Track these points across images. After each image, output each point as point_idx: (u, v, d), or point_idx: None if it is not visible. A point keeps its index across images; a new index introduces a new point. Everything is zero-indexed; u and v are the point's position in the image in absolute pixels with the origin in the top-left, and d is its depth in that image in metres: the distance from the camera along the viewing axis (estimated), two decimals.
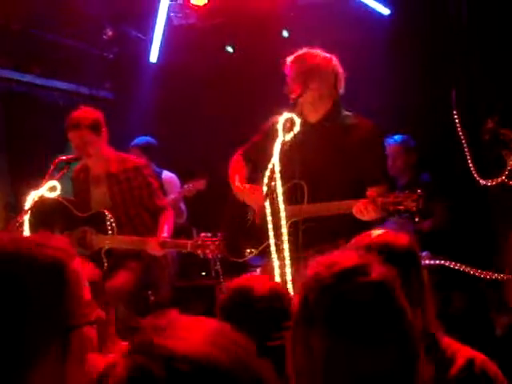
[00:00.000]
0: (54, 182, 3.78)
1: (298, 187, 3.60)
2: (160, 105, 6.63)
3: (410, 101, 5.75)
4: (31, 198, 3.67)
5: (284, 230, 3.21)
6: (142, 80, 6.69)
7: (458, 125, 4.51)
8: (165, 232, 4.23)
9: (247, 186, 3.80)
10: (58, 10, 5.86)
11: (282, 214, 3.23)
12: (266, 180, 3.28)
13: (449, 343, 2.02)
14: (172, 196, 5.57)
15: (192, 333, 0.89)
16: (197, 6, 6.10)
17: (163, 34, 6.42)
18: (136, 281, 4.22)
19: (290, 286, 3.08)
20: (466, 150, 4.44)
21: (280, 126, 3.31)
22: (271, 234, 3.24)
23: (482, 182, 4.47)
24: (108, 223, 4.21)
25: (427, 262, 4.32)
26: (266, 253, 3.63)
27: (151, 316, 0.96)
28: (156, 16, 6.30)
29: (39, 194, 3.70)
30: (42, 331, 1.11)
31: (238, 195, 3.85)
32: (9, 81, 5.91)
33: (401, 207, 3.27)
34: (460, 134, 4.50)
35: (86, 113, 4.27)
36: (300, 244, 3.45)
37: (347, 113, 3.74)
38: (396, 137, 5.42)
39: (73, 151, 4.26)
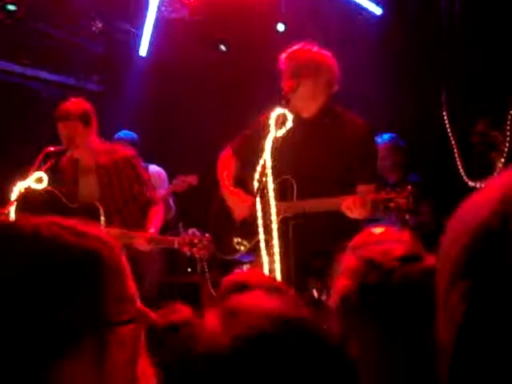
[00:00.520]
0: (40, 173, 3.74)
1: (288, 183, 3.58)
2: (149, 99, 6.58)
3: (400, 100, 5.75)
4: (17, 189, 3.63)
5: (274, 226, 3.19)
6: (131, 73, 6.64)
7: (447, 126, 4.52)
8: (153, 227, 4.20)
9: (232, 189, 3.79)
10: (48, 0, 5.81)
11: (273, 210, 3.22)
12: (257, 176, 3.27)
13: None
14: (162, 191, 5.53)
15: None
16: None
17: (153, 28, 6.38)
18: None
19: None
20: (455, 151, 4.45)
21: (272, 122, 3.29)
22: (261, 229, 3.23)
23: (471, 183, 4.48)
24: (98, 215, 4.17)
25: None
26: (254, 249, 3.61)
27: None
28: (147, 9, 6.26)
29: (25, 185, 3.66)
30: (73, 326, 1.03)
31: (224, 194, 3.84)
32: None
33: (391, 204, 3.27)
34: (449, 135, 4.51)
35: (75, 104, 4.22)
36: (290, 240, 3.43)
37: (340, 110, 3.73)
38: (385, 136, 5.42)
39: (61, 142, 4.21)
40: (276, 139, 3.27)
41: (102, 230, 1.16)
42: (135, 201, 4.34)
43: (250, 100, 4.63)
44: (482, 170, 4.51)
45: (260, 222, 3.24)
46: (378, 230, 2.11)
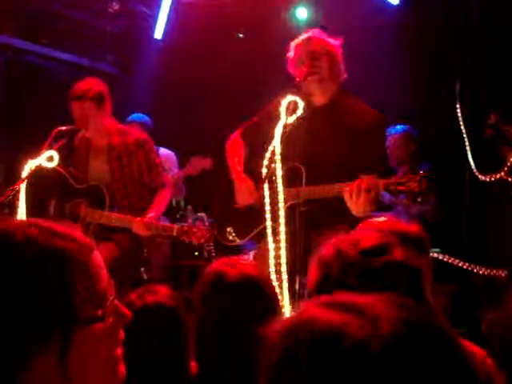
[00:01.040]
0: (51, 152, 3.76)
1: (298, 170, 3.59)
2: (162, 81, 6.59)
3: (414, 92, 5.73)
4: (28, 167, 3.66)
5: (281, 213, 3.20)
6: (146, 56, 6.65)
7: (460, 118, 4.50)
8: (154, 211, 4.18)
9: (243, 176, 3.78)
10: None
11: (281, 197, 3.22)
12: (265, 162, 3.27)
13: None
14: (175, 171, 5.53)
15: None
16: None
17: (169, 11, 6.38)
18: (119, 254, 4.17)
19: (284, 268, 3.08)
20: (466, 143, 4.43)
21: (283, 109, 3.29)
22: (268, 216, 3.24)
23: (481, 177, 4.47)
24: (103, 197, 4.20)
25: None
26: (259, 236, 3.63)
27: None
28: None
29: (36, 163, 3.68)
30: (42, 324, 1.05)
31: (233, 179, 3.84)
32: (14, 49, 5.87)
33: (403, 187, 3.27)
34: (462, 127, 4.49)
35: (90, 84, 4.23)
36: (297, 227, 3.44)
37: (352, 98, 3.73)
38: (398, 127, 5.44)
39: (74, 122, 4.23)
40: (286, 126, 3.28)
41: (78, 231, 1.17)
42: (144, 185, 4.34)
43: (265, 85, 4.62)
44: (493, 163, 4.50)
45: (267, 208, 3.25)
46: (380, 218, 2.12)
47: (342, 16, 5.72)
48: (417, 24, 5.78)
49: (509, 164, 4.31)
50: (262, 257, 3.35)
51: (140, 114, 5.79)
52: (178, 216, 6.00)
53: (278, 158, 3.20)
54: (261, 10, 6.17)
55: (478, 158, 4.50)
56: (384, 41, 5.78)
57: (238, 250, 4.06)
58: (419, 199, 3.40)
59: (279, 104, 3.34)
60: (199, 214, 6.15)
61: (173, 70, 6.53)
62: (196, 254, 6.01)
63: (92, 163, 4.37)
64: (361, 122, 3.59)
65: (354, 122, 3.62)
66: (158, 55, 6.61)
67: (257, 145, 3.69)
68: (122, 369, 1.18)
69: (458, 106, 4.53)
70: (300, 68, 3.60)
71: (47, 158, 3.74)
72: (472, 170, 4.48)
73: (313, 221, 3.49)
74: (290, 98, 3.32)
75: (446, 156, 5.30)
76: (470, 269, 4.47)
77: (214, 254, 5.76)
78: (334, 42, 3.71)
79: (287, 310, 2.89)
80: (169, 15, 6.38)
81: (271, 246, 3.19)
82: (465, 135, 4.47)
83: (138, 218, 4.06)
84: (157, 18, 6.41)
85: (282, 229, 3.17)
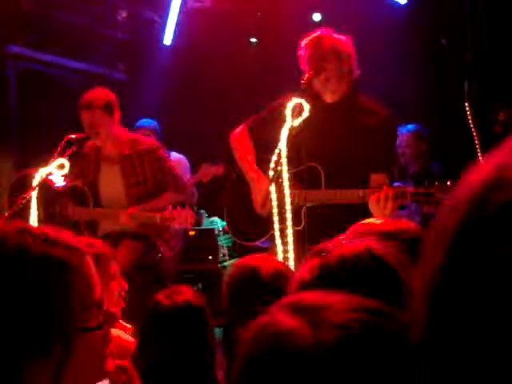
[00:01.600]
0: (62, 160, 3.80)
1: (314, 170, 3.59)
2: (172, 87, 6.62)
3: (423, 90, 5.71)
4: (39, 176, 3.69)
5: (289, 215, 3.21)
6: (156, 62, 6.69)
7: (469, 116, 4.48)
8: (140, 208, 4.23)
9: (262, 176, 3.76)
10: None
11: (288, 200, 3.23)
12: (272, 165, 3.28)
13: None
14: (187, 177, 5.55)
15: None
16: None
17: (178, 17, 6.41)
18: (132, 261, 4.21)
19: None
20: (476, 141, 4.41)
21: (289, 112, 3.30)
22: (276, 218, 3.24)
23: None
24: (85, 195, 4.31)
25: None
26: (273, 236, 3.64)
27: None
28: None
29: (47, 172, 3.72)
30: (43, 332, 1.04)
31: (249, 179, 3.82)
32: (25, 59, 5.93)
33: (432, 199, 3.23)
34: (471, 125, 4.47)
35: (99, 93, 4.28)
36: (310, 228, 3.45)
37: (363, 97, 3.74)
38: (409, 126, 5.42)
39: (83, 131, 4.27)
40: (292, 129, 3.29)
41: (72, 237, 1.16)
42: (159, 191, 4.38)
43: (275, 89, 4.62)
44: None
45: (275, 210, 3.26)
46: (378, 220, 2.10)
47: (350, 16, 5.72)
48: (424, 22, 5.76)
49: None
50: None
51: (148, 120, 5.82)
52: None
53: (284, 160, 3.22)
54: (271, 14, 6.19)
55: (488, 155, 4.47)
56: (392, 40, 5.76)
57: (252, 252, 4.07)
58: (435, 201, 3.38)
59: (284, 104, 3.35)
60: (212, 219, 6.21)
61: (183, 75, 6.56)
62: (210, 258, 6.04)
63: (103, 172, 4.41)
64: (372, 120, 3.60)
65: (365, 119, 3.62)
66: (167, 61, 6.64)
67: (261, 140, 3.71)
68: (109, 364, 1.19)
69: (466, 104, 4.51)
70: (309, 68, 3.60)
71: (58, 166, 3.78)
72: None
73: (329, 223, 3.50)
74: (295, 100, 3.33)
75: (456, 154, 5.28)
76: None
77: (226, 258, 5.79)
78: (344, 40, 3.71)
79: None
80: (177, 21, 6.41)
81: (280, 248, 3.21)
82: (474, 133, 4.45)
83: (124, 211, 4.15)
84: (165, 24, 6.44)
85: (290, 231, 3.18)
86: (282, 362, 0.80)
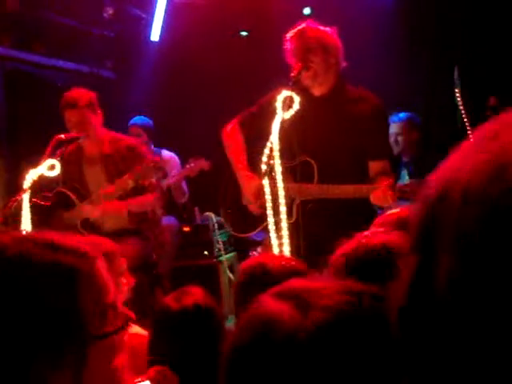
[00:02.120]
0: (52, 161, 3.77)
1: (307, 164, 3.59)
2: (161, 84, 6.59)
3: (413, 78, 5.70)
4: (30, 177, 3.67)
5: (282, 209, 3.19)
6: (144, 59, 6.65)
7: (460, 103, 4.47)
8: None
9: (250, 174, 3.76)
10: None
11: (281, 193, 3.22)
12: (264, 159, 3.27)
13: None
14: (173, 175, 5.55)
15: None
16: None
17: (165, 13, 6.37)
18: (135, 258, 4.21)
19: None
20: (467, 127, 4.40)
21: (279, 105, 3.28)
22: (269, 212, 3.23)
23: None
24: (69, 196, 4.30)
25: None
26: (268, 228, 3.63)
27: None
28: None
29: (38, 173, 3.69)
30: (55, 343, 1.00)
31: (239, 178, 3.83)
32: (12, 59, 5.89)
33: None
34: (462, 111, 4.46)
35: (81, 93, 4.27)
36: (304, 222, 3.45)
37: (352, 87, 3.73)
38: (401, 114, 5.40)
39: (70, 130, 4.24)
40: (283, 121, 3.27)
41: (79, 241, 1.11)
42: (140, 188, 4.37)
43: (264, 84, 4.60)
44: None
45: (268, 204, 3.25)
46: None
47: (339, 4, 5.70)
48: (413, 11, 5.75)
49: None
50: (269, 250, 3.35)
51: (141, 117, 5.81)
52: (185, 216, 6.03)
53: (276, 154, 3.20)
54: (258, 8, 6.16)
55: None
56: (382, 27, 5.75)
57: (247, 246, 4.07)
58: None
59: (274, 98, 3.33)
60: (206, 214, 6.19)
61: (171, 72, 6.53)
62: (205, 253, 6.02)
63: (86, 171, 4.38)
64: (363, 108, 3.60)
65: (355, 109, 3.63)
66: (155, 57, 6.60)
67: (252, 135, 3.71)
68: (150, 370, 1.15)
69: (457, 91, 4.49)
70: (296, 61, 3.59)
71: (48, 167, 3.75)
72: None
73: (321, 216, 3.50)
74: (285, 93, 3.31)
75: (447, 142, 5.28)
76: None
77: (222, 252, 5.77)
78: (329, 32, 3.69)
79: None
80: (164, 17, 6.37)
81: (275, 242, 3.19)
82: (465, 120, 4.44)
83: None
84: (152, 20, 6.40)
85: (284, 225, 3.17)
86: (270, 346, 0.79)
